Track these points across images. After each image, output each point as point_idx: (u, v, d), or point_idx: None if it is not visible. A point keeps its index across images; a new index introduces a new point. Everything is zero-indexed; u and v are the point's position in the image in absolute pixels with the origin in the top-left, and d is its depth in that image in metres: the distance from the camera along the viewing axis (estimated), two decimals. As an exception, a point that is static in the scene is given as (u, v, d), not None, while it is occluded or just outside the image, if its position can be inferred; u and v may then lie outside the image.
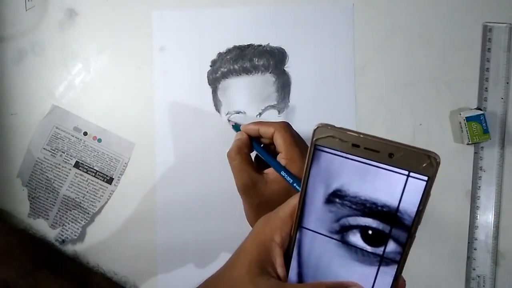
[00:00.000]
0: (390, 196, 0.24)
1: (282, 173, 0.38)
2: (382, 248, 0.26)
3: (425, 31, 0.50)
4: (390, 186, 0.24)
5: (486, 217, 0.49)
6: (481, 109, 0.49)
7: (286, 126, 0.40)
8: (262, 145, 0.42)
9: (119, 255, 0.49)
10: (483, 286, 0.49)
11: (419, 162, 0.23)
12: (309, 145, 0.26)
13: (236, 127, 0.45)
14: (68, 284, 0.43)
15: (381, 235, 0.25)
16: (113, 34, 0.50)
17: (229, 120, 0.49)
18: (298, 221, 0.27)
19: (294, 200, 0.28)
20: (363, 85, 0.50)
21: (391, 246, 0.25)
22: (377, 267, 0.26)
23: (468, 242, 0.49)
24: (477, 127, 0.48)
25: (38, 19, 0.50)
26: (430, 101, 0.50)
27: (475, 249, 0.49)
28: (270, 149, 0.41)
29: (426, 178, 0.23)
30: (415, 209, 0.24)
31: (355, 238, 0.26)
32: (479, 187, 0.49)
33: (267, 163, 0.41)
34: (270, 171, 0.39)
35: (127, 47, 0.50)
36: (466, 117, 0.48)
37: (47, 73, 0.50)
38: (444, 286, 0.50)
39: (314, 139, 0.25)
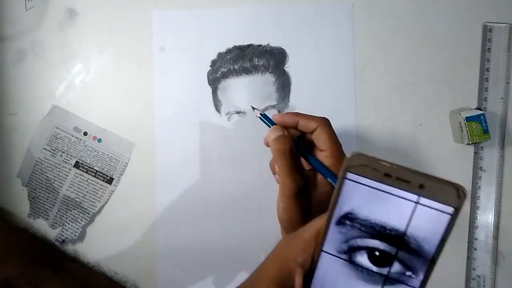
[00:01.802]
0: (400, 221, 0.25)
1: (330, 180, 0.37)
2: (387, 269, 0.27)
3: (425, 31, 0.50)
4: (407, 214, 0.25)
5: (486, 217, 0.49)
6: (481, 109, 0.49)
7: (329, 123, 0.37)
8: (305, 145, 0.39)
9: (119, 255, 0.49)
10: (483, 286, 0.49)
11: (448, 193, 0.24)
12: (340, 172, 0.26)
13: (265, 117, 0.40)
14: (69, 283, 0.43)
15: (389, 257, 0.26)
16: (113, 34, 0.50)
17: (254, 108, 0.44)
18: (322, 245, 0.28)
19: (318, 223, 0.29)
20: (363, 85, 0.50)
21: (397, 267, 0.26)
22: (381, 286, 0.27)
23: (468, 242, 0.49)
24: (477, 127, 0.48)
25: (38, 19, 0.50)
26: (430, 101, 0.50)
27: (475, 249, 0.49)
28: (304, 143, 0.39)
29: (452, 209, 0.24)
30: (440, 238, 0.25)
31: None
32: (479, 187, 0.49)
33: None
34: (320, 179, 0.37)
35: (127, 47, 0.50)
36: (466, 117, 0.48)
37: (47, 73, 0.50)
38: (444, 286, 0.50)
39: (347, 165, 0.26)
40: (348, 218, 0.27)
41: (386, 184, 0.25)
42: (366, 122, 0.50)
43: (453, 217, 0.25)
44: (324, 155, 0.37)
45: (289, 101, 0.49)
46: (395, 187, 0.25)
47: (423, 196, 0.25)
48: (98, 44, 0.50)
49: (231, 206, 0.49)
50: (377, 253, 0.26)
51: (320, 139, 0.37)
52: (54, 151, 0.50)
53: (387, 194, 0.25)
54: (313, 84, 0.50)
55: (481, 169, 0.50)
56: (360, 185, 0.26)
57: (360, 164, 0.26)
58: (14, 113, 0.50)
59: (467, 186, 0.49)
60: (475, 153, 0.50)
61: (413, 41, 0.50)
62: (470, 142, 0.48)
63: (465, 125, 0.48)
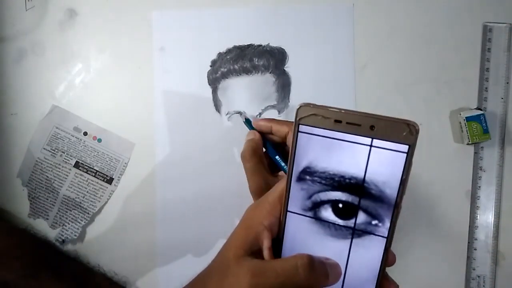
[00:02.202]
0: (357, 168, 0.25)
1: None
2: (353, 221, 0.26)
3: (425, 31, 0.50)
4: (363, 159, 0.25)
5: (486, 217, 0.49)
6: (481, 109, 0.49)
7: None
8: (271, 145, 0.41)
9: (119, 255, 0.49)
10: (483, 286, 0.49)
11: (399, 131, 0.24)
12: (293, 127, 0.26)
13: (248, 121, 0.44)
14: (68, 285, 0.43)
15: (353, 208, 0.26)
16: (113, 34, 0.50)
17: (241, 114, 0.48)
18: (286, 205, 0.28)
19: (282, 185, 0.28)
20: (363, 85, 0.50)
21: (362, 217, 0.26)
22: (350, 240, 0.27)
23: (468, 242, 0.49)
24: (477, 127, 0.48)
25: (38, 19, 0.50)
26: (430, 101, 0.50)
27: (475, 249, 0.49)
28: (280, 148, 0.41)
29: (407, 147, 0.24)
30: (399, 179, 0.24)
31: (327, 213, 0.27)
32: (479, 187, 0.49)
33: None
34: (283, 174, 0.39)
35: (127, 47, 0.50)
36: (466, 117, 0.48)
37: (47, 73, 0.50)
38: (444, 286, 0.50)
39: (297, 118, 0.26)
40: (307, 173, 0.26)
41: (338, 131, 0.25)
42: (366, 122, 0.50)
43: (409, 155, 0.24)
44: None
45: (289, 101, 0.49)
46: (347, 132, 0.25)
47: (376, 138, 0.24)
48: (98, 44, 0.50)
49: (231, 205, 0.49)
50: (340, 205, 0.26)
51: (289, 142, 0.39)
52: (54, 151, 0.50)
53: (341, 141, 0.25)
54: (313, 84, 0.50)
55: (481, 169, 0.50)
56: (313, 136, 0.25)
57: (309, 115, 0.25)
58: (14, 113, 0.50)
59: (467, 186, 0.50)
60: (475, 153, 0.50)
61: (413, 41, 0.50)
62: (470, 142, 0.48)
63: (465, 125, 0.48)
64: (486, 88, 0.50)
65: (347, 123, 0.25)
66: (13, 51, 0.50)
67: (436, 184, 0.49)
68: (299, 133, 0.26)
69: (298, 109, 0.26)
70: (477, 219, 0.49)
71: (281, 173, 0.39)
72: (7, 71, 0.50)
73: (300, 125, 0.26)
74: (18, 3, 0.50)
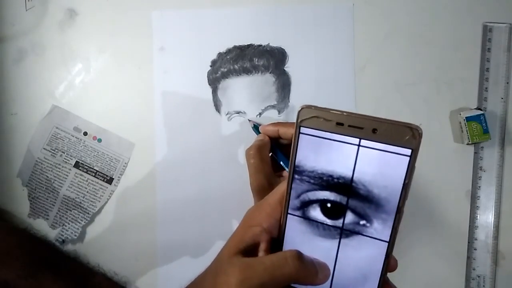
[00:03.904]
0: (357, 168, 0.25)
1: None
2: (351, 225, 0.26)
3: (425, 31, 0.50)
4: (366, 161, 0.25)
5: (486, 217, 0.49)
6: (481, 109, 0.49)
7: None
8: (278, 149, 0.42)
9: (119, 255, 0.49)
10: (483, 286, 0.49)
11: (402, 135, 0.24)
12: (295, 128, 0.26)
13: (256, 127, 0.45)
14: (68, 285, 0.42)
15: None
16: (113, 34, 0.50)
17: (249, 120, 0.48)
18: (287, 207, 0.28)
19: (283, 187, 0.28)
20: (363, 85, 0.50)
21: (360, 220, 0.26)
22: (338, 240, 0.27)
23: (468, 242, 0.49)
24: (477, 127, 0.48)
25: (38, 19, 0.50)
26: (430, 101, 0.50)
27: (475, 249, 0.49)
28: (288, 151, 0.41)
29: (410, 151, 0.24)
30: (401, 183, 0.24)
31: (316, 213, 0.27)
32: (479, 187, 0.49)
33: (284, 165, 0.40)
34: (286, 174, 0.39)
35: (127, 47, 0.50)
36: (466, 117, 0.48)
37: (47, 73, 0.50)
38: (444, 286, 0.50)
39: (298, 120, 0.25)
40: (308, 176, 0.26)
41: (339, 133, 0.25)
42: (366, 122, 0.50)
43: (412, 159, 0.24)
44: None
45: (289, 101, 0.49)
46: (349, 135, 0.24)
47: (378, 141, 0.24)
48: (98, 44, 0.50)
49: (231, 205, 0.49)
50: (329, 205, 0.26)
51: None
52: (54, 151, 0.50)
53: (343, 143, 0.25)
54: (313, 84, 0.50)
55: (481, 169, 0.50)
56: (315, 138, 0.25)
57: (311, 117, 0.25)
58: (14, 113, 0.50)
59: (467, 186, 0.49)
60: (475, 153, 0.50)
61: (413, 41, 0.50)
62: (470, 142, 0.48)
63: (465, 125, 0.48)
64: (486, 88, 0.50)
65: (349, 126, 0.24)
66: (13, 51, 0.50)
67: (436, 184, 0.49)
68: (301, 135, 0.25)
69: (299, 111, 0.25)
70: (477, 219, 0.49)
71: (285, 172, 0.39)
72: (7, 71, 0.50)
73: (301, 127, 0.25)
74: (18, 3, 0.50)
